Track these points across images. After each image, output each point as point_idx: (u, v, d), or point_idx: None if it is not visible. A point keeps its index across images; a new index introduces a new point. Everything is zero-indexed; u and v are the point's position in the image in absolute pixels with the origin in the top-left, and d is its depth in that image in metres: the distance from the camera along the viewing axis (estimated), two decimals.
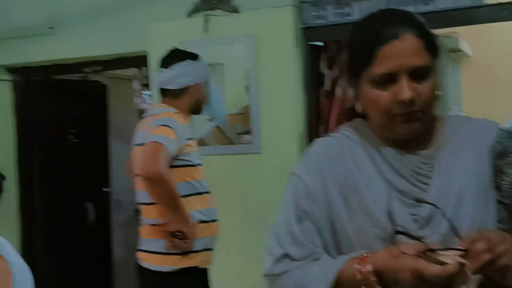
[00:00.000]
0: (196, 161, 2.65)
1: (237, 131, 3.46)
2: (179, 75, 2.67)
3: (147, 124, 2.62)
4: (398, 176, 1.24)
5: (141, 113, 5.48)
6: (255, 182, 3.39)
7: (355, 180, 1.25)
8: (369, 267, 1.14)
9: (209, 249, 2.67)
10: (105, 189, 4.80)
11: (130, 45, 3.72)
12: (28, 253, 4.35)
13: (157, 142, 2.45)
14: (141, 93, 5.94)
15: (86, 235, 4.62)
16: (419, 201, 1.21)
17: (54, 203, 4.45)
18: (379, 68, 1.18)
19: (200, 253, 2.62)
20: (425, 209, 1.20)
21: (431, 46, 1.21)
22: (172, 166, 2.53)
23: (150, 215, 2.62)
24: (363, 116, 1.31)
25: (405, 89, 1.17)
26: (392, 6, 3.07)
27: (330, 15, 3.28)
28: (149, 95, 5.81)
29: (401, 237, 1.17)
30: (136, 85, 5.66)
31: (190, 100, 2.70)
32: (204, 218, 2.63)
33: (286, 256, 1.26)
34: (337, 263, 1.20)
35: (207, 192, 2.68)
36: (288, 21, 3.30)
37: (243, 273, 3.27)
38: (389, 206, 1.21)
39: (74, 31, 3.90)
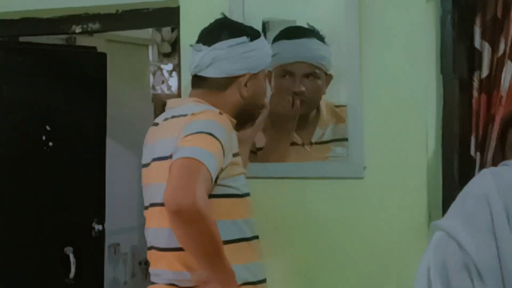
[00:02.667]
0: (244, 190, 2.72)
1: (325, 138, 3.48)
2: (227, 58, 2.79)
3: (176, 127, 2.64)
4: None
5: (159, 102, 5.48)
6: (353, 226, 3.34)
7: None
8: None
9: None
10: (96, 227, 4.84)
11: None
12: None
13: (195, 158, 2.47)
14: (160, 68, 5.95)
15: None
16: None
17: (18, 250, 4.51)
18: None
19: None
20: None
21: None
22: (210, 196, 2.55)
23: (171, 266, 2.65)
24: None
25: None
26: None
27: None
28: (172, 72, 5.81)
29: None
30: (152, 54, 5.67)
31: (234, 98, 2.82)
32: (251, 278, 2.68)
33: None
34: None
35: (256, 237, 2.76)
36: None
37: None
38: None
39: None
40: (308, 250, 3.38)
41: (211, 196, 2.55)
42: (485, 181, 1.38)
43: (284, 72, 3.42)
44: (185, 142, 2.53)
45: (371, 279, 3.26)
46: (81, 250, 4.73)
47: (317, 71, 3.41)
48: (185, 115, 2.65)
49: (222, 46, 2.77)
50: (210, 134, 2.54)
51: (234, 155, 2.67)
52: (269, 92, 3.39)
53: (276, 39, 3.43)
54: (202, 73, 2.80)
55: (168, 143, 2.62)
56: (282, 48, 3.43)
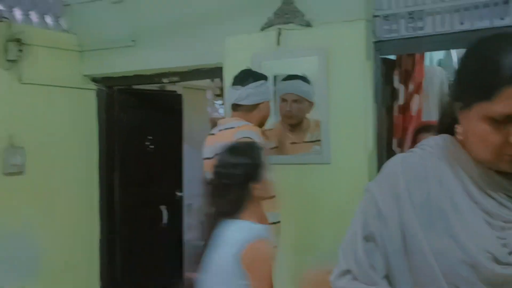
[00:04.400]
0: None
1: (306, 139, 3.44)
2: (254, 93, 2.84)
3: (228, 135, 2.67)
4: (486, 196, 1.13)
5: (213, 121, 5.53)
6: (323, 193, 3.34)
7: (440, 201, 1.14)
8: None
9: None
10: (178, 193, 4.87)
11: (206, 57, 3.79)
12: (108, 252, 4.46)
13: None
14: (213, 103, 5.96)
15: (160, 236, 4.69)
16: (509, 223, 1.10)
17: (132, 206, 4.53)
18: (502, 107, 1.03)
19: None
20: None
21: None
22: None
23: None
24: (446, 131, 1.20)
25: None
26: (467, 21, 3.00)
27: (403, 29, 3.19)
28: (221, 105, 5.84)
29: (487, 262, 1.07)
30: (209, 95, 5.69)
31: (258, 115, 2.87)
32: (274, 219, 2.70)
33: (348, 272, 1.19)
34: None
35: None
36: (360, 35, 3.24)
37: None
38: (476, 228, 1.10)
39: (154, 43, 4.00)
40: (299, 210, 3.33)
41: None
42: (394, 163, 1.20)
43: (282, 99, 3.43)
44: None
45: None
46: (170, 207, 4.75)
47: (300, 99, 3.40)
48: (233, 127, 2.73)
49: (252, 86, 2.85)
50: (251, 138, 2.60)
51: None
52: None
53: (280, 80, 3.46)
54: (240, 102, 2.86)
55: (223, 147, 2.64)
56: (282, 86, 3.47)
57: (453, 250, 1.10)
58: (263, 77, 2.93)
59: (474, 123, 1.10)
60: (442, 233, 1.12)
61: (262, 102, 2.87)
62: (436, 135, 1.24)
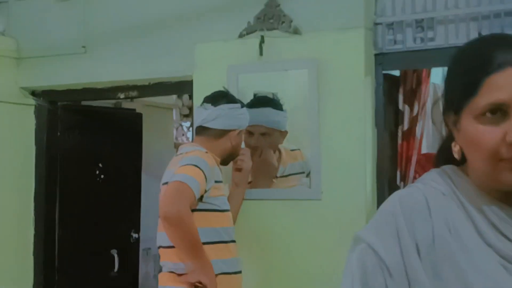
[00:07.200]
0: (223, 206, 2.87)
1: (292, 172, 3.43)
2: (225, 116, 2.91)
3: (175, 162, 2.84)
4: (501, 237, 1.16)
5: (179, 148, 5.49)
6: (311, 234, 3.31)
7: (447, 243, 1.16)
8: None
9: None
10: (134, 235, 4.86)
11: (172, 69, 3.76)
12: None
13: (181, 181, 2.67)
14: (180, 125, 5.94)
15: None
16: None
17: (76, 250, 4.49)
18: (486, 98, 1.12)
19: None
20: None
21: None
22: (196, 210, 2.76)
23: (171, 259, 2.81)
24: (456, 162, 1.22)
25: None
26: (485, 29, 3.06)
27: (409, 40, 3.21)
28: (189, 127, 5.83)
29: None
30: (175, 115, 5.67)
31: (225, 146, 2.94)
32: (227, 270, 2.83)
33: None
34: None
35: (233, 241, 2.91)
36: (359, 46, 3.24)
37: None
38: (491, 275, 1.12)
39: (108, 51, 3.97)
40: (275, 255, 3.33)
41: (198, 210, 2.75)
42: (392, 202, 1.23)
43: (247, 131, 3.26)
44: (178, 171, 2.71)
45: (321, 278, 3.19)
46: (123, 252, 4.74)
47: (269, 131, 3.35)
48: (183, 153, 2.85)
49: (224, 108, 2.91)
50: (195, 165, 2.71)
51: (217, 182, 2.82)
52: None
53: (247, 107, 3.25)
54: (206, 125, 2.92)
55: (170, 173, 2.80)
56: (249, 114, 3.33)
57: None
58: (239, 102, 3.00)
59: (465, 129, 1.16)
60: (452, 281, 1.13)
61: (234, 130, 2.93)
62: (437, 166, 1.27)
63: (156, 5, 3.81)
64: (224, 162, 3.01)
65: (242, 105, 3.02)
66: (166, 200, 2.69)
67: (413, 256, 1.16)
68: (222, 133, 2.92)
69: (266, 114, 3.38)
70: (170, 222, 2.65)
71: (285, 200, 3.38)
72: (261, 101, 3.41)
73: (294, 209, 3.35)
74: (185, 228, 2.64)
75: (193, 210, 2.72)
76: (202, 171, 2.71)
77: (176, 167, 2.75)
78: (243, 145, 3.17)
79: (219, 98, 2.97)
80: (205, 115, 2.92)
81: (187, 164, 2.72)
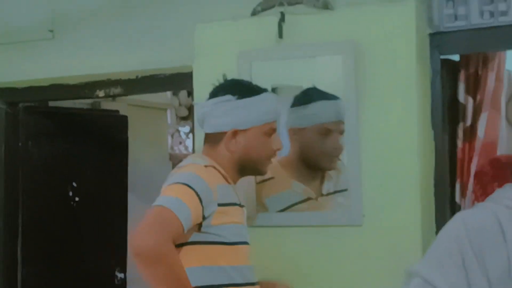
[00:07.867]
0: (233, 239, 2.68)
1: (325, 191, 3.42)
2: (211, 115, 2.81)
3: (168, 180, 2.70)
4: None
5: (176, 160, 5.47)
6: (350, 270, 3.28)
7: None
8: None
9: None
10: (119, 274, 4.83)
11: (165, 58, 3.74)
12: None
13: (164, 206, 2.50)
14: (176, 130, 5.95)
15: None
16: None
17: None
18: None
19: None
20: None
21: None
22: (190, 243, 2.61)
23: None
24: None
25: None
26: None
27: (475, 15, 3.21)
28: (188, 133, 5.79)
29: None
30: (170, 117, 5.68)
31: (223, 153, 2.79)
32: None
33: None
34: None
35: (252, 284, 2.73)
36: (409, 23, 3.24)
37: None
38: None
39: (83, 36, 3.95)
40: None
41: (192, 243, 2.61)
42: (456, 225, 1.34)
43: (326, 129, 3.35)
44: (162, 192, 2.58)
45: None
46: None
47: (336, 128, 3.35)
48: (178, 168, 2.76)
49: (208, 104, 2.82)
50: (186, 184, 2.56)
51: (223, 205, 2.65)
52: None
53: (298, 104, 3.39)
54: (203, 129, 2.86)
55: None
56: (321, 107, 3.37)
57: None
58: (236, 90, 2.82)
59: None
60: None
61: (228, 131, 2.79)
62: None
63: None
64: (244, 172, 2.85)
65: (243, 94, 2.83)
66: (140, 231, 2.48)
67: None
68: (217, 138, 2.80)
69: (339, 106, 3.32)
70: (145, 261, 2.46)
71: (316, 227, 3.34)
72: (316, 94, 3.35)
73: (328, 237, 3.31)
74: (164, 268, 2.47)
75: (185, 244, 2.59)
76: (195, 192, 2.56)
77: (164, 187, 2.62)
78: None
79: (219, 89, 2.86)
80: (197, 115, 2.87)
81: (176, 183, 2.58)
